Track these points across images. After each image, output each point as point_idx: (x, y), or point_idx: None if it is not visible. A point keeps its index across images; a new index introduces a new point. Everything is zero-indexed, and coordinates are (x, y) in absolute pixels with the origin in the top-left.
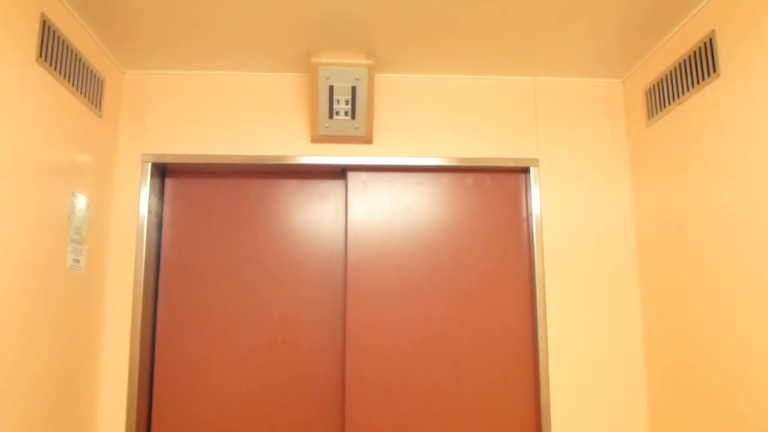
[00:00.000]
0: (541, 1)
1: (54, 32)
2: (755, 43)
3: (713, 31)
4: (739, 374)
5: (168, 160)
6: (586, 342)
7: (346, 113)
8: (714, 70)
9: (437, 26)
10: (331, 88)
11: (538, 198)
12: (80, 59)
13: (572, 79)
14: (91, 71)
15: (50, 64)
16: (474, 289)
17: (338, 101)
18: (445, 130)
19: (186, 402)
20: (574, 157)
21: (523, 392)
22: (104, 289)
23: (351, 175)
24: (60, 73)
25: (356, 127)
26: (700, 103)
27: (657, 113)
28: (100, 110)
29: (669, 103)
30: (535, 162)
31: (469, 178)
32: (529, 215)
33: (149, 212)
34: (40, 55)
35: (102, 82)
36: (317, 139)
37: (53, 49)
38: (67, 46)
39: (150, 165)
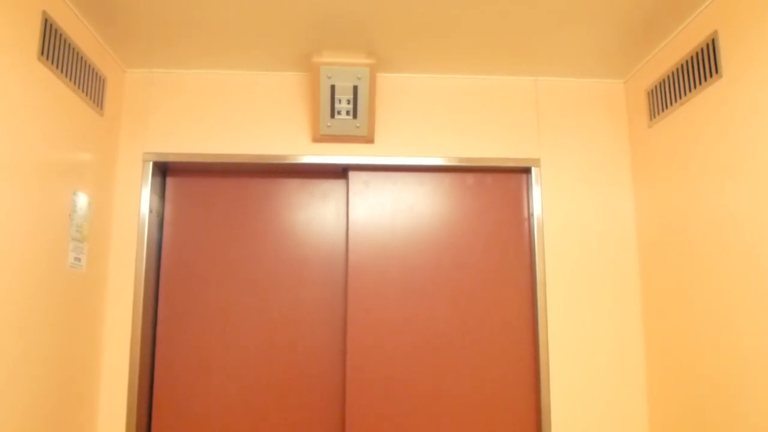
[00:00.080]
0: (541, 2)
1: (56, 30)
2: (758, 44)
3: (716, 32)
4: (740, 374)
5: (169, 159)
6: (586, 342)
7: (347, 113)
8: (716, 71)
9: (438, 26)
10: (332, 87)
11: (539, 198)
12: (82, 58)
13: (574, 79)
14: (93, 70)
15: (52, 63)
16: (475, 289)
17: (340, 100)
18: (447, 130)
19: (186, 401)
20: (575, 157)
21: (523, 392)
22: (105, 288)
23: (352, 175)
24: (62, 71)
25: (358, 127)
26: (702, 103)
27: (659, 114)
28: (101, 109)
29: (671, 104)
30: (537, 162)
31: (471, 177)
32: (530, 215)
33: (150, 211)
34: (42, 54)
35: (103, 80)
36: (319, 138)
37: (55, 48)
38: (69, 45)
39: (151, 164)
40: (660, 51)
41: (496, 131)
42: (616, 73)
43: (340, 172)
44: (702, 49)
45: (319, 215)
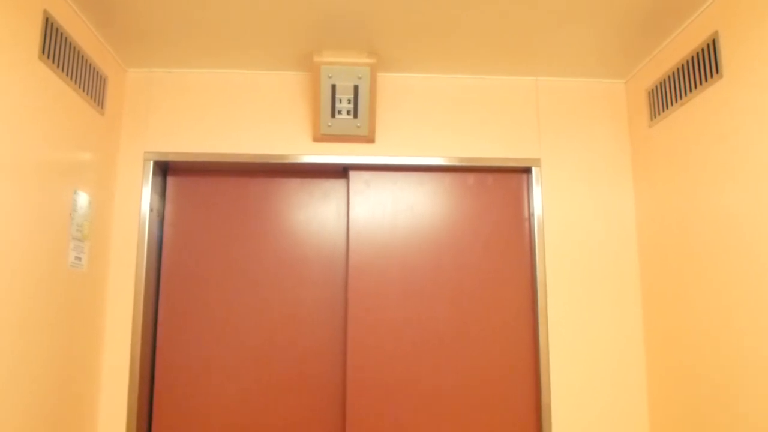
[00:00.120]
0: (541, 2)
1: (57, 30)
2: (758, 45)
3: (716, 32)
4: (740, 374)
5: (170, 158)
6: (587, 342)
7: (348, 112)
8: (717, 71)
9: (439, 26)
10: (333, 87)
11: (539, 198)
12: (83, 57)
13: (574, 79)
14: (94, 69)
15: (53, 62)
16: (475, 289)
17: (340, 100)
18: (448, 130)
19: (187, 401)
20: (576, 157)
21: (524, 392)
22: (105, 287)
23: (353, 175)
24: (63, 70)
25: (358, 126)
26: (702, 104)
27: (659, 114)
28: (102, 108)
29: (671, 104)
30: (537, 162)
31: (471, 177)
32: (530, 215)
33: (151, 210)
34: (43, 53)
35: (104, 79)
36: (319, 138)
37: (56, 47)
38: (70, 44)
39: (152, 163)
40: (661, 51)
41: (497, 131)
42: (617, 73)
43: (341, 172)
44: (702, 50)
45: (319, 215)
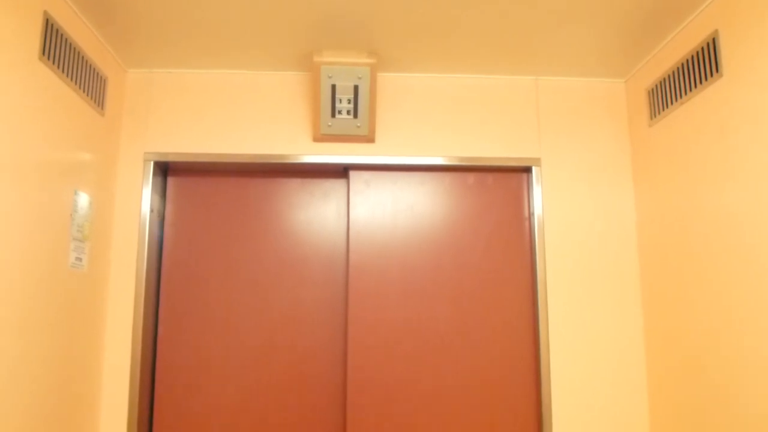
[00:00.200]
0: (541, 2)
1: (57, 30)
2: (758, 43)
3: (716, 31)
4: (740, 374)
5: (170, 158)
6: (587, 341)
7: (348, 112)
8: (717, 70)
9: (438, 26)
10: (333, 86)
11: (540, 197)
12: (83, 57)
13: (574, 78)
14: (94, 69)
15: (53, 63)
16: (476, 289)
17: (340, 100)
18: (448, 130)
19: (187, 401)
20: (576, 156)
21: (524, 391)
22: (106, 288)
23: (353, 174)
24: (63, 71)
25: (358, 126)
26: (702, 103)
27: (659, 113)
28: (102, 108)
29: (671, 103)
30: (537, 161)
31: (471, 177)
32: (530, 215)
33: (151, 211)
34: (43, 54)
35: (105, 80)
36: (319, 138)
37: (56, 48)
38: (70, 45)
39: (152, 163)
40: (660, 50)
41: (497, 131)
42: (617, 72)
43: (341, 172)
44: (702, 49)
45: (319, 215)
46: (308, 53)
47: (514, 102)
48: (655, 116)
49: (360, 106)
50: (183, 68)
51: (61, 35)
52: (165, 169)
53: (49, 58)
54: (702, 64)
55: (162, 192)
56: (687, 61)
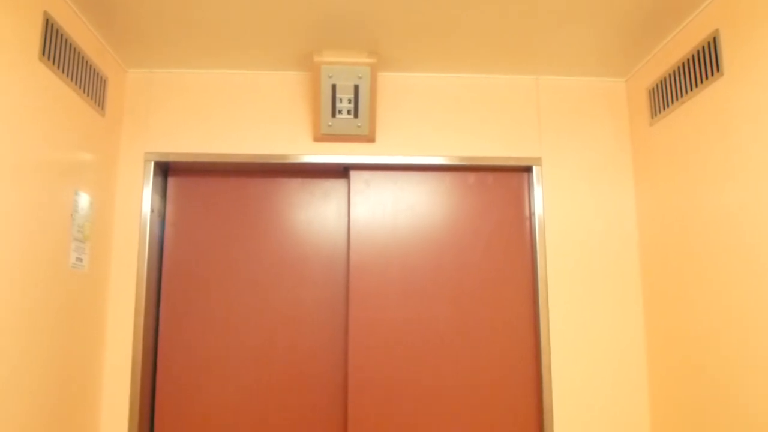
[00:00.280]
0: (541, 2)
1: (57, 31)
2: (759, 42)
3: (717, 30)
4: (741, 373)
5: (171, 158)
6: (588, 341)
7: (348, 112)
8: (717, 69)
9: (439, 25)
10: (333, 86)
11: (540, 197)
12: (83, 58)
13: (575, 78)
14: (94, 70)
15: (53, 63)
16: (476, 288)
17: (341, 100)
18: (448, 129)
19: (189, 401)
20: (576, 156)
21: (525, 391)
22: (107, 288)
23: (353, 174)
24: (63, 71)
25: (359, 126)
26: (703, 102)
27: (660, 112)
28: (102, 109)
29: (672, 102)
30: (538, 161)
31: (472, 177)
32: (531, 214)
33: (152, 211)
34: (43, 54)
35: (105, 80)
36: (320, 137)
37: (56, 48)
38: (70, 45)
39: (153, 164)
40: (661, 49)
41: (497, 130)
42: (617, 71)
43: (341, 172)
44: (703, 48)
45: (320, 215)
46: (308, 53)
47: (515, 101)
48: (655, 115)
49: (360, 106)
50: (183, 68)
51: (61, 35)
52: (165, 169)
53: (49, 59)
54: (703, 64)
55: (162, 192)
56: (688, 60)
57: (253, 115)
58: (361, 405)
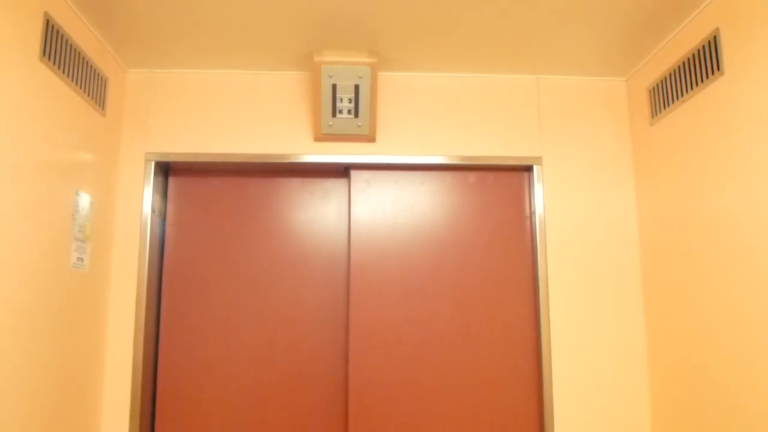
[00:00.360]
0: (541, 1)
1: (57, 31)
2: (760, 42)
3: (717, 30)
4: (742, 373)
5: (171, 158)
6: (589, 340)
7: (349, 111)
8: (718, 69)
9: (439, 25)
10: (334, 86)
11: (541, 196)
12: (83, 58)
13: (575, 77)
14: (95, 70)
15: (53, 63)
16: (477, 288)
17: (341, 99)
18: (449, 128)
19: (189, 400)
20: (577, 155)
21: (526, 390)
22: (108, 288)
23: (354, 174)
24: (63, 71)
25: (359, 126)
26: (704, 101)
27: (660, 111)
28: (103, 109)
29: (672, 102)
30: (539, 160)
31: (472, 176)
32: (532, 213)
33: (152, 211)
34: (44, 54)
35: (105, 80)
36: (320, 137)
37: (56, 48)
38: (71, 45)
39: (153, 164)
40: (661, 49)
41: (498, 129)
42: (618, 71)
43: (342, 171)
44: (704, 47)
45: (320, 214)
46: (309, 53)
47: (515, 101)
48: (656, 115)
49: (361, 106)
50: (183, 68)
51: (62, 36)
52: (166, 169)
53: (49, 59)
54: (703, 63)
55: (163, 192)
56: (688, 59)
57: (254, 115)
58: (361, 405)
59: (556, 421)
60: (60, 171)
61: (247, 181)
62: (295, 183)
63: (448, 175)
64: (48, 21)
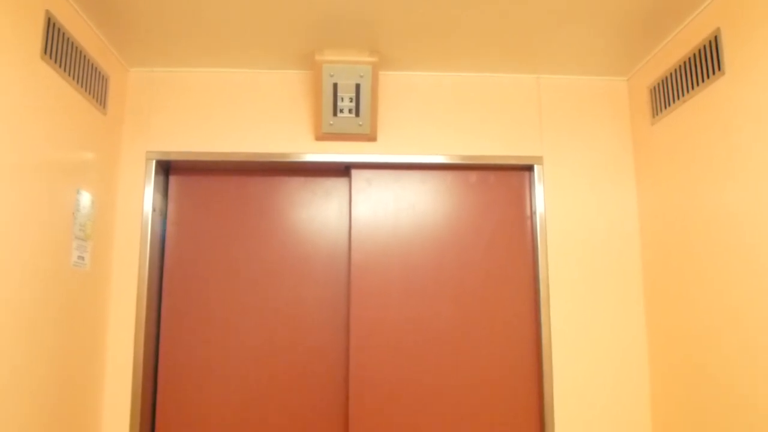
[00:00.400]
0: (541, 1)
1: (59, 29)
2: (760, 41)
3: (718, 29)
4: (743, 372)
5: (172, 157)
6: (589, 340)
7: (350, 111)
8: (719, 68)
9: (440, 25)
10: (335, 85)
11: (542, 196)
12: (85, 56)
13: (576, 76)
14: (96, 68)
15: (55, 62)
16: (478, 287)
17: (342, 99)
18: (449, 128)
19: (190, 399)
20: (578, 155)
21: (526, 390)
22: (108, 286)
23: (355, 173)
24: (65, 70)
25: (360, 125)
26: (705, 101)
27: (662, 111)
28: (104, 107)
29: (674, 101)
30: (540, 160)
31: (473, 175)
32: (533, 213)
33: (153, 210)
34: (45, 53)
35: (106, 79)
36: (321, 136)
37: (58, 47)
38: (72, 44)
39: (154, 162)
40: (662, 48)
41: (499, 129)
42: (619, 70)
43: (343, 170)
44: (705, 47)
45: (321, 213)
46: (310, 52)
47: (516, 100)
48: (657, 114)
49: (362, 105)
50: (185, 67)
51: (63, 34)
52: (167, 168)
53: (50, 57)
54: (704, 62)
55: (164, 191)
56: (689, 59)
57: (255, 114)
58: (362, 404)
59: (556, 421)
60: (61, 169)
61: (248, 180)
62: (296, 182)
63: (449, 175)
64: (49, 19)
